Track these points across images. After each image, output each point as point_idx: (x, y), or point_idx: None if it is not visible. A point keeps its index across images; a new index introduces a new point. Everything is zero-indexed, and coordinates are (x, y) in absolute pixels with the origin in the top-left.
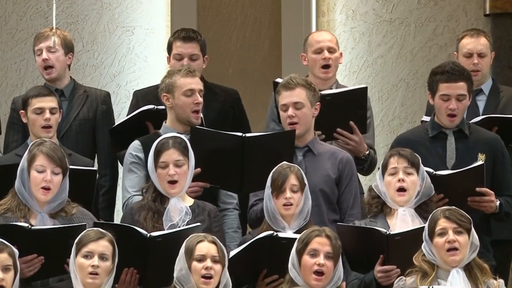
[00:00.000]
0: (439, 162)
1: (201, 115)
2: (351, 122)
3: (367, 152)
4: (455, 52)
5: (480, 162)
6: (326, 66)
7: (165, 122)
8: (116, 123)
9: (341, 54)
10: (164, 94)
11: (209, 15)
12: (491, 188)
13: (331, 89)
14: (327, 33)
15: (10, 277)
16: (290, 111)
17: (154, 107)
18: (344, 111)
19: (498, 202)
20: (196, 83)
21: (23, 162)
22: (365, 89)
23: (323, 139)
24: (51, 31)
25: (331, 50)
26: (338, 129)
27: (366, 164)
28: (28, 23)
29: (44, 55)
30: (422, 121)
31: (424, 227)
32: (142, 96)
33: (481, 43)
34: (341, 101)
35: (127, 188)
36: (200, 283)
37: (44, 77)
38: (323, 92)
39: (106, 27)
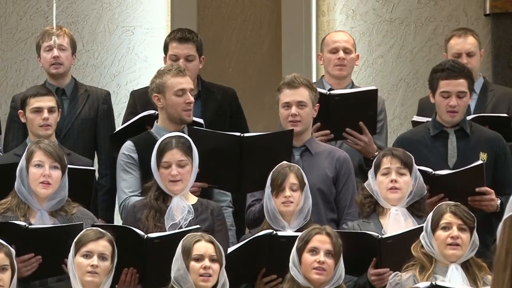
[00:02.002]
0: (441, 161)
1: (201, 120)
2: (361, 123)
3: (376, 153)
4: (445, 53)
5: (479, 162)
6: (340, 66)
7: (157, 122)
8: (117, 129)
9: (357, 56)
10: (155, 94)
11: (209, 15)
12: (492, 187)
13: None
14: (344, 33)
15: (7, 277)
16: (294, 110)
17: (155, 112)
18: (354, 112)
19: (499, 201)
20: (187, 83)
21: (22, 161)
22: (375, 91)
23: (331, 138)
24: (62, 30)
25: (346, 51)
26: (347, 129)
27: None
28: (28, 23)
29: (55, 52)
30: (413, 121)
31: (415, 228)
32: (138, 96)
33: (469, 43)
34: (350, 101)
35: (123, 189)
36: (199, 283)
37: (50, 72)
38: (332, 92)
39: (106, 27)
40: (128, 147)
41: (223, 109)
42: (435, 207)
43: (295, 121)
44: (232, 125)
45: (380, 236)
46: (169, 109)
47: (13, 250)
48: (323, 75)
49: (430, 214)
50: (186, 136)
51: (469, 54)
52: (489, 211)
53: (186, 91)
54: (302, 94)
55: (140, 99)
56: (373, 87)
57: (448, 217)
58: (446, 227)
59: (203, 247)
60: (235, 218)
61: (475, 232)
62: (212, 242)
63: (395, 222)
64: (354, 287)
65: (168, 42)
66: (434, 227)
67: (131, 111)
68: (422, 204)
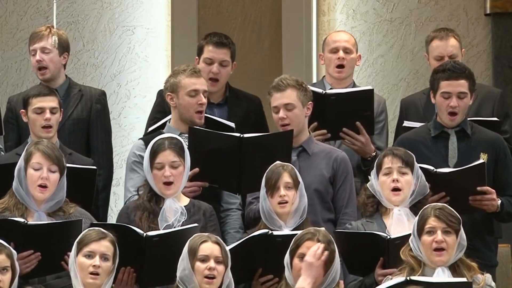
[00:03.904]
0: (441, 161)
1: (230, 123)
2: (358, 123)
3: (374, 153)
4: (425, 54)
5: (481, 160)
6: (340, 66)
7: (169, 122)
8: (150, 128)
9: (359, 56)
10: (169, 93)
11: (209, 15)
12: (493, 188)
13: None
14: (345, 33)
15: (8, 278)
16: (281, 113)
17: None
18: (350, 112)
19: (499, 202)
20: (200, 84)
21: (20, 161)
22: (371, 91)
23: (328, 138)
24: (46, 30)
25: (347, 51)
26: (344, 129)
27: (372, 166)
28: (29, 23)
29: (38, 56)
30: (404, 127)
31: None
32: None
33: (450, 45)
34: (346, 101)
35: (129, 188)
36: (203, 284)
37: (38, 77)
38: (328, 92)
39: (106, 26)
40: (138, 146)
41: (248, 116)
42: (420, 211)
43: (284, 124)
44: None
45: (389, 237)
46: (181, 109)
47: (14, 252)
48: (324, 76)
49: (416, 218)
50: (178, 137)
51: (451, 57)
52: (489, 210)
53: (199, 92)
54: (289, 96)
55: None
56: (369, 87)
57: (432, 221)
58: (431, 231)
59: (209, 248)
60: None
61: (461, 233)
62: (218, 244)
63: (398, 222)
64: (360, 286)
65: (204, 45)
66: (420, 231)
67: (158, 109)
68: (425, 203)
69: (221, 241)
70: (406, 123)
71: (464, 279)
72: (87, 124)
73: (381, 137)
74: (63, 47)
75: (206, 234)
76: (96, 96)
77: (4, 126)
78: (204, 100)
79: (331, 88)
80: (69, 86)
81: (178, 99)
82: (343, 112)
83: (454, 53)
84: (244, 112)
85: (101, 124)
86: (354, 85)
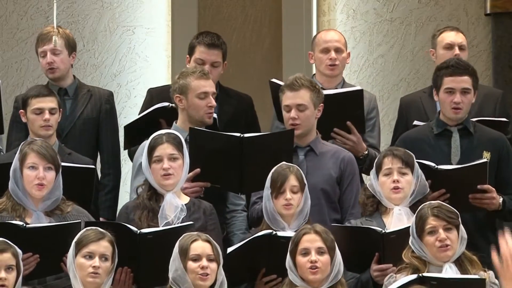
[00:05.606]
0: (444, 159)
1: (215, 115)
2: (348, 122)
3: (366, 152)
4: (432, 49)
5: (484, 160)
6: (332, 65)
7: (176, 122)
8: (131, 120)
9: (348, 54)
10: (177, 95)
11: (209, 15)
12: (495, 186)
13: (337, 88)
14: (335, 32)
15: (13, 277)
16: (293, 113)
17: (169, 104)
18: (341, 112)
19: (501, 199)
20: (210, 86)
21: (15, 162)
22: (361, 91)
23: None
24: (54, 31)
25: (338, 51)
26: (336, 129)
27: (365, 164)
28: (29, 23)
29: (49, 58)
30: (414, 125)
31: None
32: (156, 94)
33: (461, 37)
34: (336, 102)
35: (135, 189)
36: (197, 282)
37: (47, 76)
38: None
39: (106, 26)
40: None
41: (238, 114)
42: (417, 211)
43: (295, 124)
44: (246, 132)
45: (383, 231)
46: (190, 110)
47: (19, 251)
48: (314, 74)
49: (413, 219)
50: (176, 133)
51: (461, 48)
52: (490, 209)
53: (208, 94)
54: (302, 96)
55: (158, 97)
56: (359, 88)
57: (432, 221)
58: (432, 231)
59: (200, 247)
60: None
61: (461, 228)
62: (209, 242)
63: (398, 222)
64: (356, 283)
65: (196, 45)
66: (420, 232)
67: (147, 108)
68: (425, 203)
69: (211, 239)
70: (416, 123)
71: (477, 276)
72: (96, 124)
73: (373, 133)
74: (71, 47)
75: (196, 232)
76: (105, 97)
77: (12, 125)
78: (214, 103)
79: (321, 87)
80: (78, 86)
81: (187, 101)
82: (333, 113)
83: (464, 44)
84: (233, 110)
85: (110, 125)
86: (344, 83)
